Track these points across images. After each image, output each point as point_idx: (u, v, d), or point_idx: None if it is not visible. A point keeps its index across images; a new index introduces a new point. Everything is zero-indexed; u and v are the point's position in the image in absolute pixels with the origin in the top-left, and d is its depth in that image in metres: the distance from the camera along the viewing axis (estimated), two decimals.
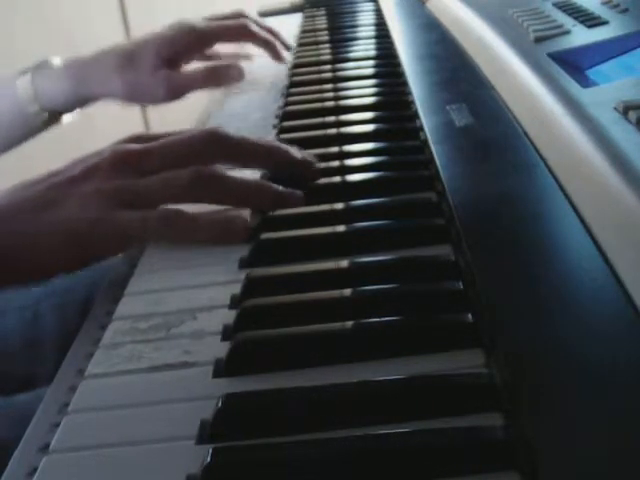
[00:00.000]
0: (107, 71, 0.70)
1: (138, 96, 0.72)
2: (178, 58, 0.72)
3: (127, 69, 0.70)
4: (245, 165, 0.47)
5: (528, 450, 0.26)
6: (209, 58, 0.80)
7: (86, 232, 0.42)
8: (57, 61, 0.74)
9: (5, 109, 0.72)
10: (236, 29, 0.76)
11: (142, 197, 0.43)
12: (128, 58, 0.70)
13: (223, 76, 0.74)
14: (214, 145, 0.46)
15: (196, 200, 0.44)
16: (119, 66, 0.70)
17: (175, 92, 0.71)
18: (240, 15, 0.78)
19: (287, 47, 0.85)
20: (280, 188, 0.47)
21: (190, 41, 0.72)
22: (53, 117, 0.74)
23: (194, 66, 0.77)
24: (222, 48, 0.82)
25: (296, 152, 0.49)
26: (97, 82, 0.71)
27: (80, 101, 0.74)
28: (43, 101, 0.72)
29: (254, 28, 0.77)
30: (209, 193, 0.44)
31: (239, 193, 0.46)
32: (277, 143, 0.49)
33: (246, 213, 0.46)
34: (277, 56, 0.81)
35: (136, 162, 0.44)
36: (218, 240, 0.45)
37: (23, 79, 0.72)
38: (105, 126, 1.89)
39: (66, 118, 0.75)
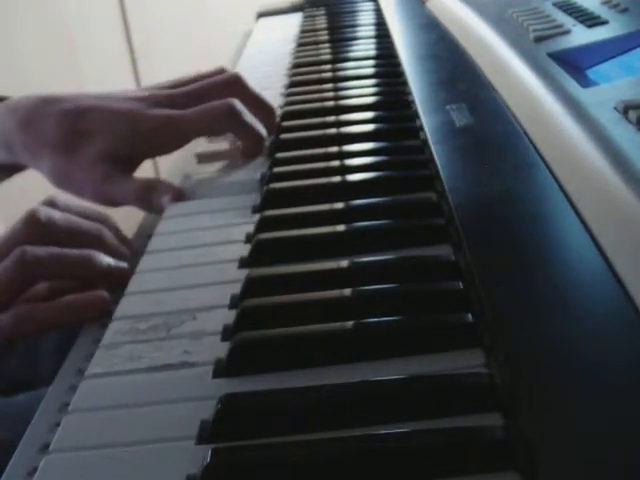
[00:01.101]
0: (37, 145, 0.56)
1: (67, 187, 0.57)
2: (134, 158, 0.58)
3: (61, 154, 0.56)
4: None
5: (528, 450, 0.26)
6: None
7: None
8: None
9: None
10: (220, 121, 0.58)
11: None
12: (66, 141, 0.56)
13: (156, 199, 0.55)
14: (34, 228, 0.45)
15: (31, 282, 0.44)
16: (53, 146, 0.56)
17: (104, 201, 0.57)
18: (229, 81, 0.60)
19: (272, 128, 0.63)
20: (106, 263, 0.45)
21: (156, 141, 0.57)
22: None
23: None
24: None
25: (104, 260, 0.46)
26: (24, 153, 0.57)
27: (11, 167, 0.62)
28: None
29: (242, 118, 0.58)
30: (38, 274, 0.44)
31: (64, 269, 0.44)
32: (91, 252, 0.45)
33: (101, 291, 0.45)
34: (254, 153, 0.60)
35: None
36: (79, 319, 0.44)
37: None
38: None
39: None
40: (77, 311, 0.43)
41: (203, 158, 0.61)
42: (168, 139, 0.57)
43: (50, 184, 0.57)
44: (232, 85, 0.59)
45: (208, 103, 0.57)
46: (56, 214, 0.46)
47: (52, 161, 0.56)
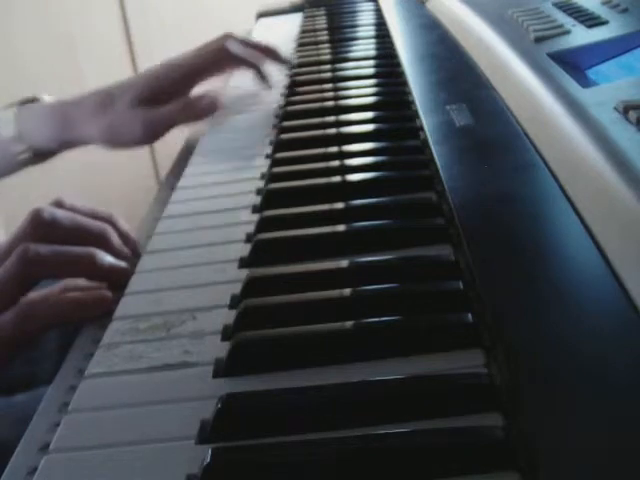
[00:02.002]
0: (84, 115, 0.68)
1: (115, 139, 0.68)
2: (159, 98, 0.68)
3: (103, 112, 0.67)
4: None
5: (528, 450, 0.26)
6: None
7: None
8: (42, 99, 0.72)
9: None
10: (215, 57, 0.70)
11: None
12: (105, 101, 0.67)
13: (198, 109, 0.68)
14: (36, 228, 0.45)
15: (34, 280, 0.44)
16: (95, 110, 0.67)
17: (153, 132, 0.67)
18: (225, 37, 0.72)
19: (285, 62, 0.79)
20: (107, 262, 0.46)
21: (168, 80, 0.68)
22: (38, 157, 0.72)
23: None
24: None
25: (105, 258, 0.46)
26: (75, 126, 0.68)
27: (62, 145, 0.71)
28: (27, 140, 0.70)
29: (234, 50, 0.71)
30: (42, 272, 0.44)
31: (71, 268, 0.44)
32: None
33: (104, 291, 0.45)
34: (262, 80, 0.75)
35: None
36: (80, 316, 0.44)
37: (6, 114, 0.70)
38: None
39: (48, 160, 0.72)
40: (79, 309, 0.43)
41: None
42: (179, 78, 0.69)
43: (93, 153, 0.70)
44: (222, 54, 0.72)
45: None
46: (60, 213, 0.46)
47: (98, 123, 0.67)
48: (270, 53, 0.77)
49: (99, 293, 0.44)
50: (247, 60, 0.73)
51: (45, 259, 0.43)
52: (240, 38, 0.74)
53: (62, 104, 0.70)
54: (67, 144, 0.71)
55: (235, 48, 0.71)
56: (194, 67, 0.70)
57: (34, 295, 0.44)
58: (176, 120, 0.67)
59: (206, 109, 0.68)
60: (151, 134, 0.67)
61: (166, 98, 0.68)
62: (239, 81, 0.80)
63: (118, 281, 0.45)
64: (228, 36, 0.72)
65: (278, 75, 0.81)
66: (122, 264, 0.46)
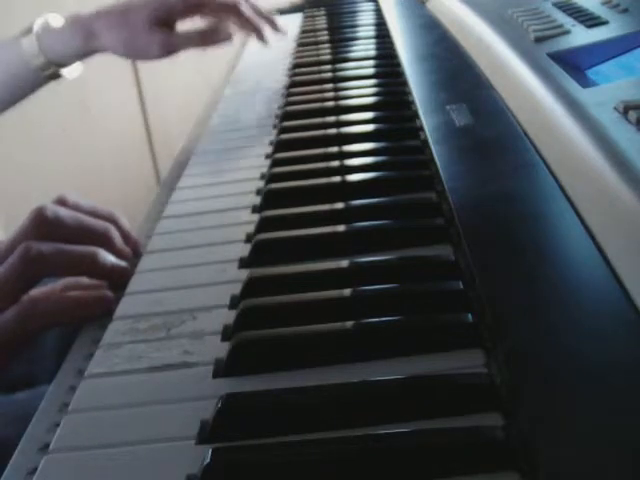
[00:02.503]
0: (105, 26, 0.75)
1: (134, 53, 0.76)
2: (171, 19, 0.76)
3: (122, 25, 0.74)
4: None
5: (528, 450, 0.26)
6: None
7: None
8: (58, 19, 0.78)
9: (12, 66, 0.77)
10: (228, 4, 0.79)
11: None
12: (124, 15, 0.75)
13: (214, 37, 0.77)
14: (40, 225, 0.45)
15: (36, 277, 0.44)
16: (116, 22, 0.74)
17: (169, 50, 0.75)
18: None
19: (282, 32, 0.86)
20: (109, 261, 0.46)
21: (181, 6, 0.76)
22: (56, 71, 0.79)
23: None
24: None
25: (107, 258, 0.47)
26: (97, 37, 0.75)
27: (83, 55, 0.78)
28: (49, 55, 0.76)
29: (244, 9, 0.80)
30: (44, 269, 0.43)
31: (73, 265, 0.44)
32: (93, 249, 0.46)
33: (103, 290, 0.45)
34: (261, 38, 0.82)
35: None
36: (81, 315, 0.44)
37: (28, 38, 0.76)
38: (104, 121, 1.89)
39: (68, 73, 0.79)
40: (80, 308, 0.43)
41: None
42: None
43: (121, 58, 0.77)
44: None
45: None
46: (63, 211, 0.46)
47: (118, 36, 0.74)
48: (270, 22, 0.84)
49: (100, 292, 0.44)
50: (251, 20, 0.81)
51: (47, 257, 0.43)
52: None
53: (81, 17, 0.76)
54: (88, 54, 0.78)
55: (243, 5, 0.79)
56: (200, 2, 0.77)
57: (36, 293, 0.44)
58: (191, 44, 0.76)
59: (219, 39, 0.77)
60: (166, 53, 0.75)
61: (175, 20, 0.76)
62: (239, 87, 0.80)
63: (119, 281, 0.45)
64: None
65: (278, 75, 0.81)
66: (123, 264, 0.46)
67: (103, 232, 0.47)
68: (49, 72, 0.77)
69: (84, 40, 0.76)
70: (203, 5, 0.78)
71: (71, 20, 0.77)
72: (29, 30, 0.76)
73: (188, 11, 0.77)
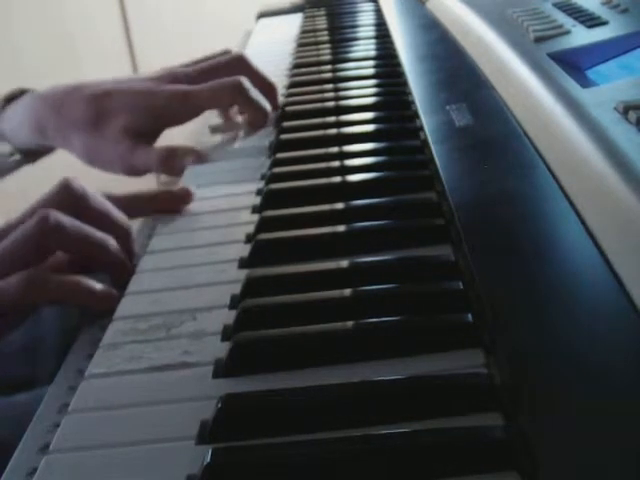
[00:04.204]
0: (69, 126, 0.64)
1: (96, 163, 0.65)
2: (154, 130, 0.64)
3: (91, 131, 0.63)
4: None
5: (528, 450, 0.26)
6: None
7: None
8: (31, 91, 0.69)
9: None
10: (232, 101, 0.64)
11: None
12: (97, 120, 0.63)
13: (176, 167, 0.61)
14: (65, 198, 0.44)
15: (50, 249, 0.43)
16: (83, 126, 0.63)
17: (131, 172, 0.64)
18: (236, 60, 0.66)
19: (276, 107, 0.68)
20: (120, 255, 0.45)
21: (176, 113, 0.63)
22: (27, 157, 0.71)
23: None
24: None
25: (118, 250, 0.46)
26: (57, 134, 0.65)
27: (44, 148, 0.70)
28: (11, 141, 0.68)
29: (246, 89, 0.63)
30: (57, 241, 0.43)
31: (84, 247, 0.44)
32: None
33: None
34: (259, 124, 0.66)
35: None
36: (84, 303, 0.43)
37: None
38: None
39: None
40: (86, 296, 0.42)
41: (215, 130, 0.68)
42: (182, 111, 0.63)
43: (70, 170, 0.59)
44: (238, 63, 0.66)
45: (217, 80, 0.63)
46: (92, 192, 0.45)
47: (82, 140, 0.63)
48: (271, 94, 0.68)
49: (109, 289, 0.44)
50: (258, 106, 0.65)
51: (65, 230, 0.42)
52: (248, 69, 0.66)
53: (43, 105, 0.65)
54: (48, 148, 0.70)
55: (251, 93, 0.64)
56: (207, 105, 0.64)
57: (46, 266, 0.43)
58: (153, 169, 0.63)
59: (182, 168, 0.60)
60: (129, 173, 0.64)
61: (160, 131, 0.65)
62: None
63: (121, 278, 0.45)
64: (238, 58, 0.67)
65: (278, 75, 0.81)
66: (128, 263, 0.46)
67: (125, 228, 0.47)
68: (13, 158, 0.70)
69: (40, 137, 0.66)
70: (200, 106, 0.64)
71: (31, 108, 0.66)
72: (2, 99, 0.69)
73: (182, 116, 0.64)
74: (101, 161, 0.64)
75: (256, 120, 0.65)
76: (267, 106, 0.66)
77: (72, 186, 0.45)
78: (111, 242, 0.45)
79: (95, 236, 0.44)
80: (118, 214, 0.47)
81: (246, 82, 0.63)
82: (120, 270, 0.45)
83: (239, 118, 0.68)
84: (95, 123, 0.63)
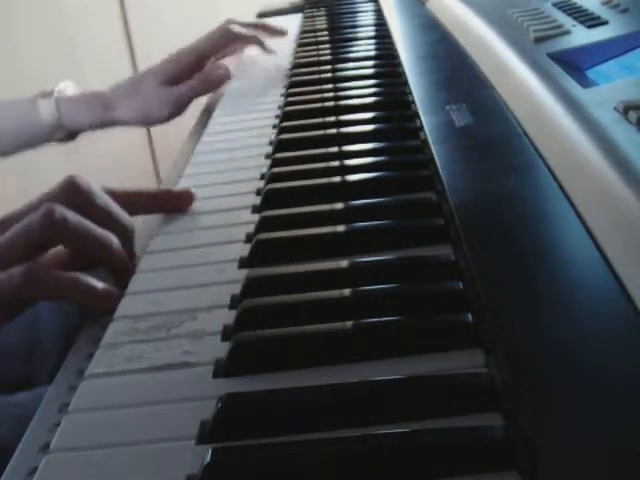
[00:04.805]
0: (120, 99, 0.81)
1: (147, 118, 0.81)
2: (178, 79, 0.82)
3: (135, 95, 0.81)
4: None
5: (528, 450, 0.26)
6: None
7: None
8: (71, 87, 0.84)
9: (25, 123, 0.82)
10: (222, 38, 0.84)
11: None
12: (135, 85, 0.81)
13: (213, 79, 0.82)
14: (70, 193, 0.45)
15: (51, 242, 0.43)
16: (128, 94, 0.81)
17: (178, 107, 0.81)
18: (227, 22, 0.86)
19: (281, 33, 0.94)
20: (123, 255, 0.45)
21: (185, 62, 0.82)
22: (67, 135, 0.84)
23: None
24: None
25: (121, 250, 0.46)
26: (114, 110, 0.81)
27: (97, 126, 0.83)
28: (64, 121, 0.81)
29: (237, 30, 0.85)
30: (59, 236, 0.43)
31: (85, 243, 0.44)
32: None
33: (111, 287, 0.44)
34: (265, 49, 0.90)
35: None
36: (84, 302, 0.43)
37: (46, 102, 0.81)
38: None
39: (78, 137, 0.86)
40: (86, 294, 0.42)
41: None
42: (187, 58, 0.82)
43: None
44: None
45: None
46: (97, 189, 0.46)
47: (130, 105, 0.81)
48: (266, 29, 0.93)
49: (109, 288, 0.44)
50: (249, 37, 0.87)
51: (69, 225, 0.42)
52: (239, 22, 0.87)
53: (99, 91, 0.82)
54: (102, 125, 0.83)
55: (237, 29, 0.85)
56: (205, 49, 0.83)
57: (47, 260, 0.43)
58: (196, 93, 0.81)
59: (219, 80, 0.81)
60: (177, 109, 0.81)
61: (184, 77, 0.81)
62: (240, 86, 0.81)
63: (122, 277, 0.45)
64: (230, 21, 0.86)
65: (278, 76, 0.81)
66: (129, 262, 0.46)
67: (128, 229, 0.47)
68: (61, 135, 0.83)
69: (101, 112, 0.81)
70: (208, 56, 0.83)
71: (90, 92, 0.83)
72: (48, 94, 0.81)
73: (193, 64, 0.83)
74: (153, 112, 0.81)
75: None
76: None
77: (78, 182, 0.45)
78: (114, 240, 0.45)
79: (98, 233, 0.44)
80: (122, 213, 0.47)
81: (234, 26, 0.85)
82: (121, 269, 0.45)
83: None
84: (136, 88, 0.81)
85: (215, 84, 0.82)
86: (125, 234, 0.47)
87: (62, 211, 0.42)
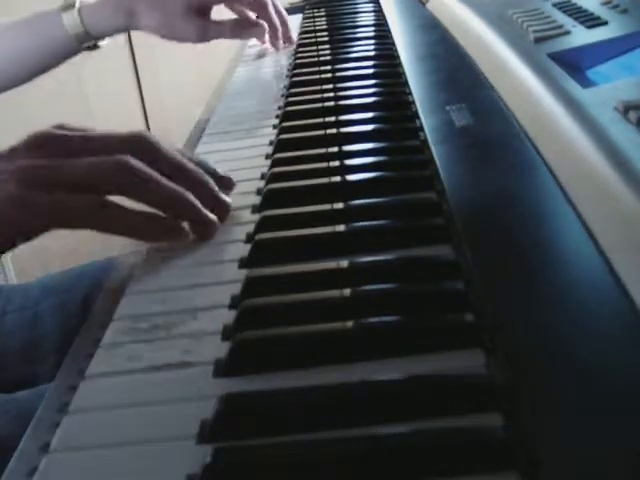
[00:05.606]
0: (145, 8, 0.81)
1: (171, 35, 0.82)
2: (205, 7, 0.83)
3: (162, 11, 0.81)
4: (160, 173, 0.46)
5: (528, 450, 0.26)
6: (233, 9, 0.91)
7: (3, 210, 0.40)
8: None
9: (50, 36, 0.83)
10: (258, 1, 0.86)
11: (62, 178, 0.41)
12: (162, 2, 0.81)
13: (247, 30, 0.85)
14: (145, 147, 0.45)
15: (118, 190, 0.42)
16: (155, 6, 0.81)
17: (202, 37, 0.82)
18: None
19: (290, 40, 0.94)
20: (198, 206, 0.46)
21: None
22: (93, 43, 0.85)
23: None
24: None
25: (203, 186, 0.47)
26: (138, 17, 0.81)
27: (122, 30, 0.84)
28: (89, 29, 0.82)
29: (270, 8, 0.87)
30: (131, 185, 0.43)
31: (161, 197, 0.44)
32: (195, 170, 0.47)
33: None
34: (274, 43, 0.92)
35: (60, 144, 0.43)
36: (149, 240, 0.44)
37: (69, 14, 0.82)
38: (104, 121, 1.89)
39: (102, 42, 0.86)
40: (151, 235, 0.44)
41: None
42: None
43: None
44: None
45: None
46: (143, 167, 0.44)
47: (158, 19, 0.81)
48: (285, 27, 0.93)
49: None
50: (272, 18, 0.89)
51: (141, 175, 0.42)
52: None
53: None
54: (126, 29, 0.84)
55: (270, 4, 0.87)
56: None
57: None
58: (226, 35, 0.84)
59: (252, 33, 0.86)
60: (202, 39, 0.82)
61: (209, 7, 0.83)
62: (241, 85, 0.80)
63: (205, 230, 0.46)
64: None
65: (278, 76, 0.81)
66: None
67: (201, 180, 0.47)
68: (87, 44, 0.84)
69: (125, 18, 0.81)
70: None
71: (112, 1, 0.82)
72: (71, 5, 0.82)
73: (221, 0, 0.84)
74: (178, 33, 0.81)
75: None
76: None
77: (147, 136, 0.45)
78: (189, 196, 0.45)
79: (170, 187, 0.44)
80: (193, 167, 0.47)
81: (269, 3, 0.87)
82: (201, 221, 0.46)
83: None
84: (162, 3, 0.81)
85: (243, 35, 0.86)
86: (200, 185, 0.47)
87: (136, 162, 0.42)
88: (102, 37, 0.84)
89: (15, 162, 0.41)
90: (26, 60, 0.84)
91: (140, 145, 0.44)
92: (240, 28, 0.85)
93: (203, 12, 0.83)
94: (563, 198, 0.38)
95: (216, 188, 0.48)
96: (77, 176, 0.41)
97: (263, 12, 0.87)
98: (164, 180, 0.44)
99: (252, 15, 0.90)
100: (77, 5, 0.81)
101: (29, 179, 0.40)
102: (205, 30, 0.82)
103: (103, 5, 0.82)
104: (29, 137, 0.43)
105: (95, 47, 0.85)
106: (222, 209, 0.49)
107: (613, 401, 0.26)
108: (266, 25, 0.87)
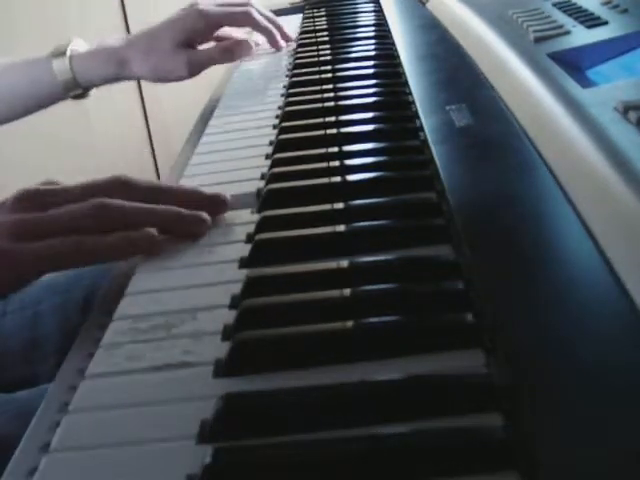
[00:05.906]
0: (136, 55, 0.80)
1: (163, 76, 0.82)
2: (192, 40, 0.82)
3: (151, 52, 0.80)
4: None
5: (528, 450, 0.26)
6: (220, 39, 0.89)
7: None
8: (83, 44, 0.84)
9: (39, 82, 0.82)
10: (241, 15, 0.84)
11: (45, 227, 0.43)
12: (152, 42, 0.80)
13: (235, 51, 0.84)
14: (118, 186, 0.47)
15: (99, 229, 0.44)
16: (145, 50, 0.80)
17: (195, 69, 0.81)
18: (247, 3, 0.86)
19: (288, 38, 0.94)
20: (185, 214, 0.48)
21: (200, 25, 0.82)
22: (82, 92, 0.85)
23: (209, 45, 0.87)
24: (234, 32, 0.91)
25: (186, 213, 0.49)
26: (129, 66, 0.80)
27: (111, 80, 0.84)
28: (79, 78, 0.81)
29: (256, 16, 0.86)
30: (111, 221, 0.45)
31: (142, 220, 0.46)
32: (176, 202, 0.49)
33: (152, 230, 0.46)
34: (275, 44, 0.91)
35: (40, 197, 0.46)
36: (127, 256, 0.45)
37: (60, 61, 0.81)
38: (104, 121, 1.89)
39: (92, 92, 0.86)
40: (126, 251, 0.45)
41: None
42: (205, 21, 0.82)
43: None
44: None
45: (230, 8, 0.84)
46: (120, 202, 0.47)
47: (148, 62, 0.80)
48: (280, 29, 0.92)
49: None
50: (263, 25, 0.88)
51: (117, 209, 0.45)
52: (257, 8, 0.88)
53: (112, 44, 0.82)
54: (116, 80, 0.83)
55: (256, 16, 0.86)
56: (217, 18, 0.82)
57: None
58: (215, 61, 0.82)
59: (240, 53, 0.84)
60: (194, 71, 0.81)
61: (195, 41, 0.82)
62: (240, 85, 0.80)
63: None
64: (248, 1, 0.86)
65: (278, 76, 0.81)
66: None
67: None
68: (74, 92, 0.83)
69: (115, 67, 0.81)
70: (222, 23, 0.83)
71: (103, 47, 0.82)
72: (61, 53, 0.82)
73: (210, 31, 0.83)
74: (169, 72, 0.81)
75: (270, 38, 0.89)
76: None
77: (120, 176, 0.47)
78: (171, 208, 0.47)
79: (151, 209, 0.46)
80: (169, 185, 0.50)
81: (254, 12, 0.84)
82: (190, 232, 0.48)
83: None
84: (152, 45, 0.80)
85: (235, 57, 0.85)
86: (184, 194, 0.49)
87: (111, 200, 0.45)
88: (90, 86, 0.84)
89: (5, 217, 0.44)
90: (15, 101, 0.84)
91: (115, 185, 0.47)
92: (228, 51, 0.84)
93: (191, 45, 0.82)
94: (563, 198, 0.38)
95: (201, 189, 0.51)
96: (59, 223, 0.44)
97: (252, 23, 0.86)
98: (140, 204, 0.46)
99: (239, 33, 0.90)
100: (68, 53, 0.81)
101: (17, 232, 0.42)
102: (195, 61, 0.81)
103: (94, 54, 0.82)
104: (17, 193, 0.46)
105: (83, 96, 0.85)
106: (217, 203, 0.50)
107: (613, 401, 0.26)
108: (251, 40, 0.86)
